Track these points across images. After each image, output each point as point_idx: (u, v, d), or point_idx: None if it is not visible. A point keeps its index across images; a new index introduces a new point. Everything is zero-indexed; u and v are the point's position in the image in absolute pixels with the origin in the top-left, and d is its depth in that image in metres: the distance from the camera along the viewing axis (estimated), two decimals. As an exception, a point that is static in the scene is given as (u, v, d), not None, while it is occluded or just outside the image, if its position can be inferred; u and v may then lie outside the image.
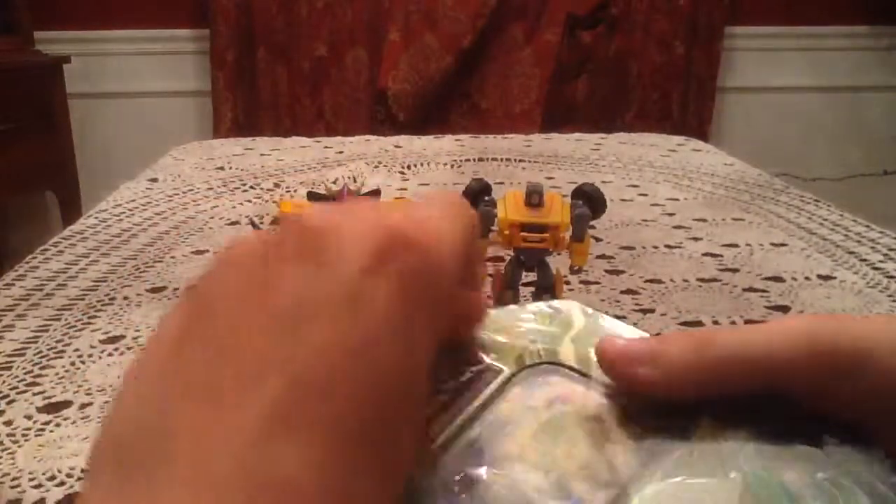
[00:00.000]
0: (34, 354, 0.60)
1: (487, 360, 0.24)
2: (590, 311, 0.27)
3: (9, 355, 0.59)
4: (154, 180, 1.14)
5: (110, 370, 0.57)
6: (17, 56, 1.99)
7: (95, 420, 0.51)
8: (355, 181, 0.52)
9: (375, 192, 0.54)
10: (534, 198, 0.53)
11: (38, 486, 0.43)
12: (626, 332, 0.25)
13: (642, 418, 0.22)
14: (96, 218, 0.96)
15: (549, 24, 2.25)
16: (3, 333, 0.63)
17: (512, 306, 0.27)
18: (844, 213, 0.99)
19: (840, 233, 0.92)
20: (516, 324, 0.26)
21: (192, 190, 1.10)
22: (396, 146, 1.38)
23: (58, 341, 0.62)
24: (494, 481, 0.20)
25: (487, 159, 1.30)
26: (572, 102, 2.30)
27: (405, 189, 1.12)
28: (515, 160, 1.29)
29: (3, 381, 0.55)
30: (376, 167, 1.23)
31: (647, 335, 0.25)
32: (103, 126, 2.29)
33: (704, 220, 0.98)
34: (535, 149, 1.38)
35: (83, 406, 0.52)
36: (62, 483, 0.43)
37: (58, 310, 0.68)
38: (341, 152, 1.34)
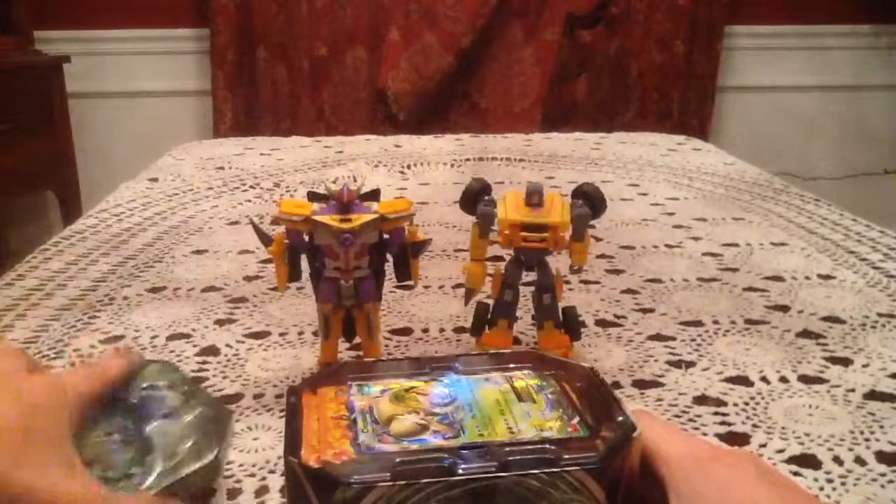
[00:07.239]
0: (34, 354, 0.60)
1: None
2: None
3: (9, 355, 0.59)
4: (154, 180, 1.14)
5: (110, 370, 0.57)
6: (17, 56, 1.99)
7: (95, 420, 0.50)
8: (355, 181, 0.52)
9: (375, 192, 0.54)
10: (534, 198, 0.53)
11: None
12: None
13: None
14: (96, 218, 0.96)
15: (549, 23, 2.25)
16: (3, 333, 0.63)
17: None
18: (844, 213, 0.99)
19: (840, 232, 0.92)
20: None
21: (192, 190, 1.10)
22: (396, 146, 1.38)
23: (58, 341, 0.62)
24: None
25: (487, 159, 1.30)
26: (572, 102, 2.30)
27: (405, 189, 1.12)
28: (515, 160, 1.29)
29: (3, 382, 0.55)
30: (376, 167, 1.23)
31: None
32: (103, 126, 2.29)
33: (704, 220, 0.98)
34: (535, 148, 1.38)
35: (83, 406, 0.52)
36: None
37: (58, 310, 0.68)
38: (341, 152, 1.34)
